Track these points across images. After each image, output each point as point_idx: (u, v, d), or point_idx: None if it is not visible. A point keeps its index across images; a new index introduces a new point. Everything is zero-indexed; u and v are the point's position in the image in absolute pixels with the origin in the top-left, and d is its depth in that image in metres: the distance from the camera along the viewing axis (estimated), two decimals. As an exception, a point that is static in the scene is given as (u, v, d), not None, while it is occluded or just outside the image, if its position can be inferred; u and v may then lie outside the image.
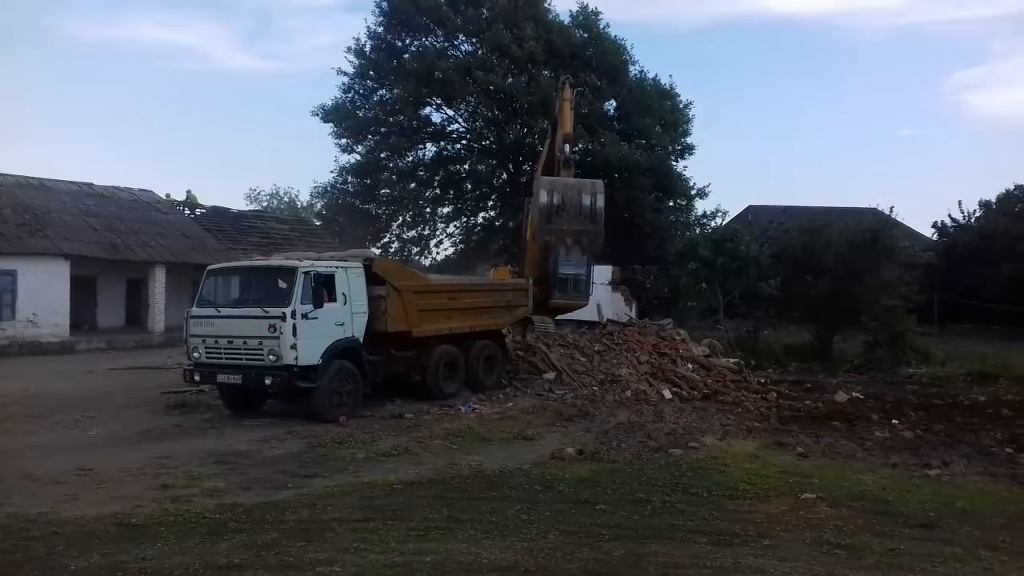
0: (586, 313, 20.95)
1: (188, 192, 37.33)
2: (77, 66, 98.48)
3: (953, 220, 43.11)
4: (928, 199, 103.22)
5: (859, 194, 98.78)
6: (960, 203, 43.74)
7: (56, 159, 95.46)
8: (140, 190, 34.93)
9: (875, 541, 7.62)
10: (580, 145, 34.62)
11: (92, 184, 32.95)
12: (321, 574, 6.49)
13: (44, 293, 25.82)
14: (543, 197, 16.32)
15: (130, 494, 9.07)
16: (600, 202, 16.47)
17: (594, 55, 36.38)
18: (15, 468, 10.27)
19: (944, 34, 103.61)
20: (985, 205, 42.85)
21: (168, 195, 36.33)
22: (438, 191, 39.95)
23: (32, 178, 30.53)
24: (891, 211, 27.82)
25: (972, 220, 42.52)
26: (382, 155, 38.46)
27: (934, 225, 43.97)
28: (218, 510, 8.38)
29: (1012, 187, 42.98)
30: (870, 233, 26.40)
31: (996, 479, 10.60)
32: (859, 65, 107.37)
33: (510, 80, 33.76)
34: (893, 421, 14.62)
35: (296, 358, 13.33)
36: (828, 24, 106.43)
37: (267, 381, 13.48)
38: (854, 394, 18.03)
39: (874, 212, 28.43)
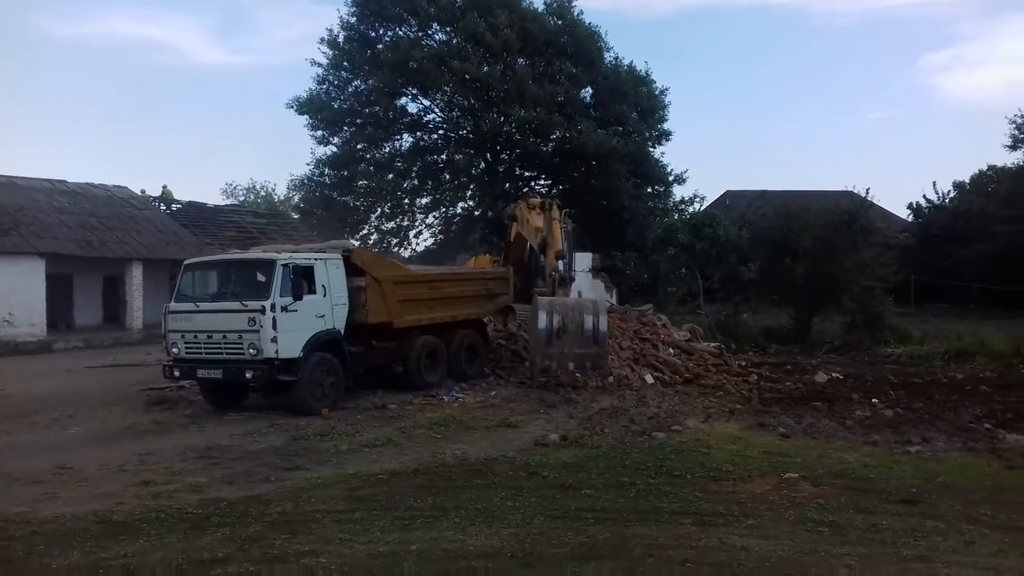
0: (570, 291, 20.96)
1: (164, 188, 37.01)
2: (48, 62, 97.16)
3: (928, 201, 43.58)
4: (903, 181, 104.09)
5: (835, 177, 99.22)
6: (934, 184, 44.24)
7: (28, 156, 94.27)
8: (114, 186, 34.55)
9: (858, 517, 7.68)
10: (557, 133, 34.75)
11: (65, 181, 32.57)
12: (306, 566, 6.45)
13: (19, 292, 25.49)
14: (542, 320, 15.79)
15: (111, 491, 8.99)
16: (603, 325, 16.03)
17: (569, 42, 36.28)
18: (-7, 468, 10.15)
19: (913, 17, 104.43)
20: (959, 186, 43.37)
21: (143, 191, 35.97)
22: (416, 182, 39.77)
23: (3, 176, 30.12)
24: (867, 193, 27.99)
25: (946, 201, 43.00)
26: (358, 146, 38.21)
27: (909, 206, 44.47)
28: (201, 505, 8.32)
29: (985, 167, 43.55)
30: (847, 215, 26.58)
31: (976, 454, 10.71)
32: (831, 50, 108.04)
33: (485, 69, 33.62)
34: (873, 400, 14.72)
35: (277, 351, 13.25)
36: (800, 9, 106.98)
37: (248, 375, 13.41)
38: (834, 374, 18.18)
39: (850, 195, 28.60)
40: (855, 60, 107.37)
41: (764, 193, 38.11)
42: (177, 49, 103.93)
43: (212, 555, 6.71)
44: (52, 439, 12.20)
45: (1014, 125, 39.02)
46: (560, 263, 17.61)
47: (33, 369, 20.61)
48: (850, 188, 28.98)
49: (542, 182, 38.07)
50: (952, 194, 43.13)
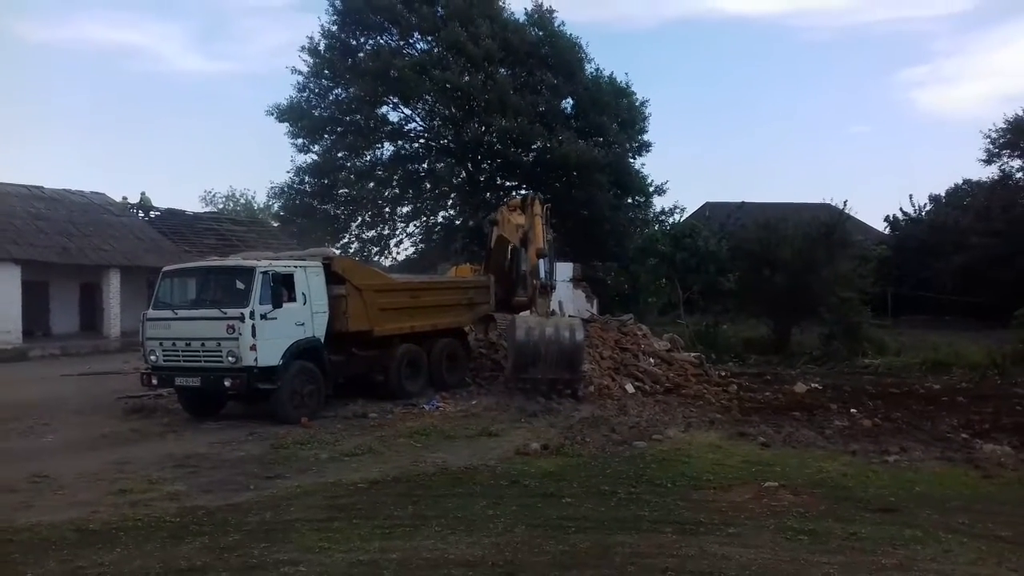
0: (550, 301, 20.91)
1: (142, 194, 36.71)
2: (25, 67, 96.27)
3: (904, 214, 44.04)
4: (880, 194, 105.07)
5: (813, 190, 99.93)
6: (911, 197, 44.76)
7: (4, 162, 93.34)
8: (92, 193, 34.29)
9: (837, 526, 7.72)
10: (538, 143, 34.84)
11: (42, 187, 32.26)
12: (286, 574, 6.40)
13: (-6, 299, 25.20)
14: (520, 337, 15.55)
15: (87, 500, 8.89)
16: (580, 335, 15.80)
17: (550, 53, 36.45)
18: (-34, 477, 10.01)
19: (890, 33, 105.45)
20: (935, 199, 43.88)
21: (125, 198, 35.71)
22: (397, 190, 39.73)
23: (-22, 182, 29.83)
24: (845, 206, 28.26)
25: (923, 214, 43.47)
26: (339, 155, 38.12)
27: (886, 219, 44.92)
28: (179, 513, 8.24)
29: (960, 181, 44.09)
30: (825, 227, 26.76)
31: (953, 464, 10.79)
32: (810, 64, 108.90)
33: (466, 78, 33.69)
34: (851, 410, 14.82)
35: (256, 359, 13.17)
36: (779, 24, 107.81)
37: (226, 383, 13.29)
38: (813, 385, 18.29)
39: (828, 207, 28.84)
40: (834, 74, 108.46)
41: (743, 204, 38.43)
42: (157, 55, 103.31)
43: (190, 564, 6.65)
44: (28, 447, 12.06)
45: (989, 140, 39.55)
46: (542, 267, 17.17)
47: (8, 377, 20.33)
48: (828, 201, 29.29)
49: (523, 192, 38.11)
50: (928, 207, 43.66)
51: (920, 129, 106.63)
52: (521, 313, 17.24)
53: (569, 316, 18.47)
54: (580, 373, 16.13)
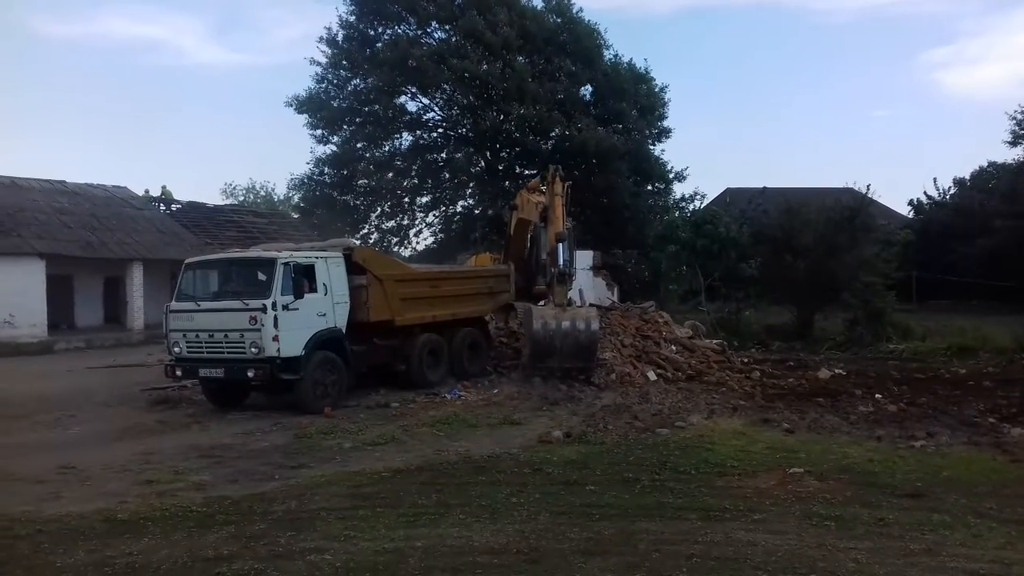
0: (568, 289, 20.86)
1: (163, 188, 36.99)
2: (47, 63, 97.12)
3: (929, 198, 43.59)
4: (904, 178, 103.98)
5: (835, 174, 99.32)
6: (935, 181, 44.27)
7: (28, 157, 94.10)
8: (114, 187, 34.57)
9: (864, 512, 7.67)
10: (557, 131, 34.70)
11: (65, 182, 32.58)
12: (312, 563, 6.43)
13: (20, 293, 25.47)
14: (536, 329, 15.59)
15: (115, 490, 8.98)
16: (595, 326, 15.83)
17: (568, 40, 36.23)
18: (-5, 468, 10.13)
19: (914, 14, 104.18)
20: (959, 182, 43.39)
21: (147, 191, 36.00)
22: (416, 180, 39.71)
23: (3, 177, 30.14)
24: (868, 190, 27.99)
25: (947, 197, 42.99)
26: (358, 145, 38.17)
27: (910, 203, 44.48)
28: (205, 503, 8.31)
29: (985, 164, 43.53)
30: (848, 212, 26.56)
31: (981, 448, 10.69)
32: (832, 47, 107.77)
33: (485, 67, 33.57)
34: (876, 396, 14.70)
35: (278, 350, 13.23)
36: (800, 7, 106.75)
37: (250, 374, 13.38)
38: (837, 371, 18.14)
39: (851, 191, 28.59)
40: (855, 57, 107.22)
41: (765, 190, 38.05)
42: (176, 48, 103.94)
43: (217, 553, 6.70)
44: (55, 439, 12.19)
45: (1014, 121, 38.94)
46: (561, 252, 16.75)
47: (35, 370, 20.58)
48: (851, 185, 29.03)
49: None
50: (953, 190, 43.20)
51: (944, 111, 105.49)
52: (538, 304, 17.13)
53: (587, 305, 18.37)
54: (594, 362, 16.12)
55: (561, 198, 16.93)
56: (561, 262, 16.54)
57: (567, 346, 15.63)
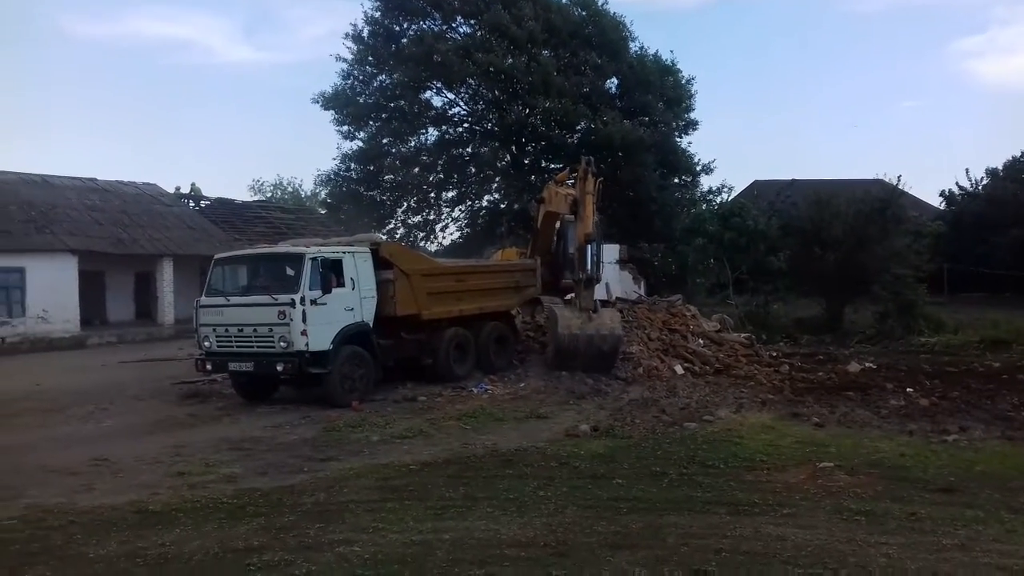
0: (595, 292, 20.80)
1: (193, 184, 37.36)
2: (77, 62, 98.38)
3: (960, 188, 42.87)
4: (935, 168, 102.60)
5: (865, 166, 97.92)
6: (967, 171, 43.43)
7: (59, 155, 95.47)
8: (144, 184, 34.91)
9: (895, 507, 7.58)
10: (582, 124, 34.58)
11: (96, 179, 32.97)
12: (341, 554, 6.47)
13: (53, 289, 25.86)
14: (560, 335, 15.75)
15: (146, 482, 9.09)
16: (618, 331, 16.00)
17: (593, 33, 36.04)
18: (30, 460, 10.31)
19: (943, 3, 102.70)
20: (992, 172, 42.56)
21: (178, 188, 36.38)
22: (441, 175, 39.74)
23: (36, 174, 30.57)
24: (898, 181, 27.61)
25: (979, 188, 42.25)
26: (384, 141, 38.24)
27: (941, 194, 43.79)
28: (235, 495, 8.39)
29: (1019, 153, 42.67)
30: (878, 203, 26.26)
31: (1015, 443, 10.54)
32: (860, 36, 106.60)
33: (510, 60, 33.51)
34: (908, 389, 14.53)
35: (307, 344, 13.32)
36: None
37: (279, 368, 13.48)
38: (867, 364, 17.92)
39: (881, 183, 28.23)
40: (885, 46, 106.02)
41: (794, 182, 37.70)
42: (205, 48, 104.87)
43: (247, 544, 6.76)
44: (88, 432, 12.36)
45: (1049, 110, 38.25)
46: (588, 254, 16.52)
47: (68, 364, 20.91)
48: (881, 176, 28.65)
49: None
50: (985, 181, 42.37)
51: (977, 101, 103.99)
52: (562, 304, 16.95)
53: (613, 302, 18.27)
54: (615, 365, 16.16)
55: (592, 196, 16.60)
56: (589, 265, 16.33)
57: (591, 352, 15.76)
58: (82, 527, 7.39)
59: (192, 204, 36.68)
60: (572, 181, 17.95)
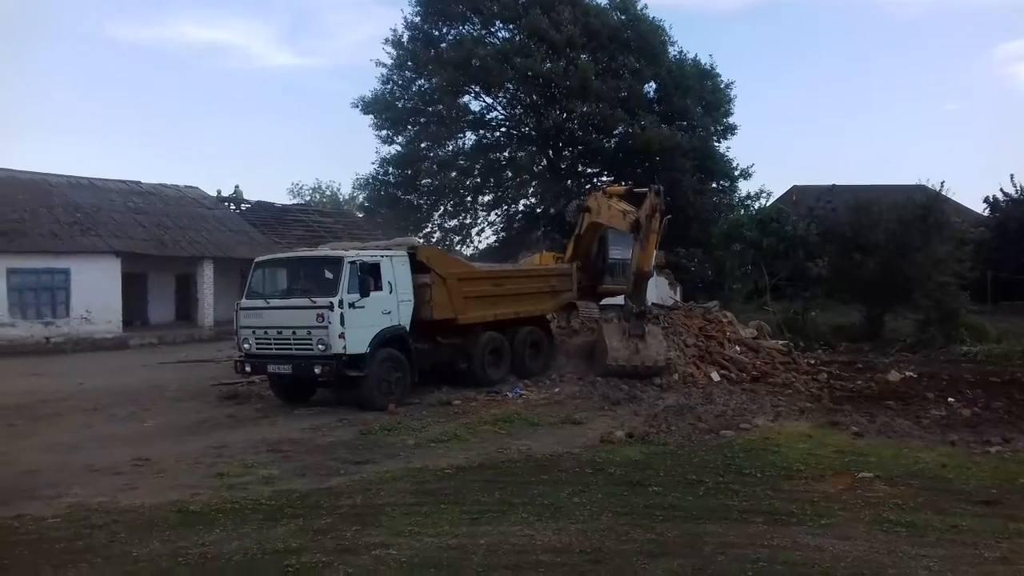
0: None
1: (236, 187, 37.89)
2: (121, 67, 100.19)
3: (1005, 195, 41.92)
4: (978, 174, 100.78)
5: (907, 171, 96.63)
6: (1012, 177, 42.48)
7: (103, 159, 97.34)
8: (186, 187, 35.45)
9: (936, 518, 7.47)
10: (620, 129, 34.48)
11: (139, 182, 33.56)
12: (377, 557, 6.52)
13: (97, 290, 26.39)
14: (609, 366, 16.16)
15: (187, 483, 9.23)
16: (662, 362, 16.36)
17: (632, 37, 35.93)
18: (74, 460, 10.50)
19: (986, 7, 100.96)
20: (1038, 178, 41.62)
21: (219, 191, 36.93)
22: (478, 179, 39.83)
23: (82, 178, 31.21)
24: (941, 187, 27.16)
25: (1024, 194, 41.36)
26: (422, 145, 38.44)
27: (985, 200, 42.88)
28: (273, 496, 8.48)
29: (1066, 159, 41.77)
30: (920, 209, 25.85)
31: (1060, 455, 10.33)
32: (902, 40, 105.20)
33: (548, 65, 33.52)
34: (949, 399, 14.31)
35: (344, 347, 13.44)
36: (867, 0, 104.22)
37: (317, 370, 13.61)
38: (907, 373, 17.65)
39: (923, 188, 27.80)
40: (927, 50, 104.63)
41: (833, 187, 37.26)
42: (246, 53, 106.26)
43: (286, 546, 6.83)
44: (130, 432, 12.56)
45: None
46: (646, 289, 17.33)
47: (110, 364, 21.28)
48: (923, 182, 28.21)
49: (604, 178, 37.79)
50: (1031, 187, 41.49)
51: (1020, 105, 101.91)
52: (612, 325, 17.03)
53: (655, 319, 18.26)
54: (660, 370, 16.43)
55: (657, 235, 17.02)
56: (646, 299, 17.18)
57: (635, 375, 16.11)
58: (125, 526, 7.52)
59: (233, 207, 37.15)
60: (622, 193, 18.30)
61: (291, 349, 13.95)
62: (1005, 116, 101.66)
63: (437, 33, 37.62)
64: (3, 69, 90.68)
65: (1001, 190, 42.09)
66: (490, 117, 39.09)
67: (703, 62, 37.13)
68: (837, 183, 38.07)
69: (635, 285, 16.93)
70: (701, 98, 36.19)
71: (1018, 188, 41.52)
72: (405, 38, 37.40)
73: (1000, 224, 38.68)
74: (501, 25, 36.78)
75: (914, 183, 29.20)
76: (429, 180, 38.80)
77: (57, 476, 9.58)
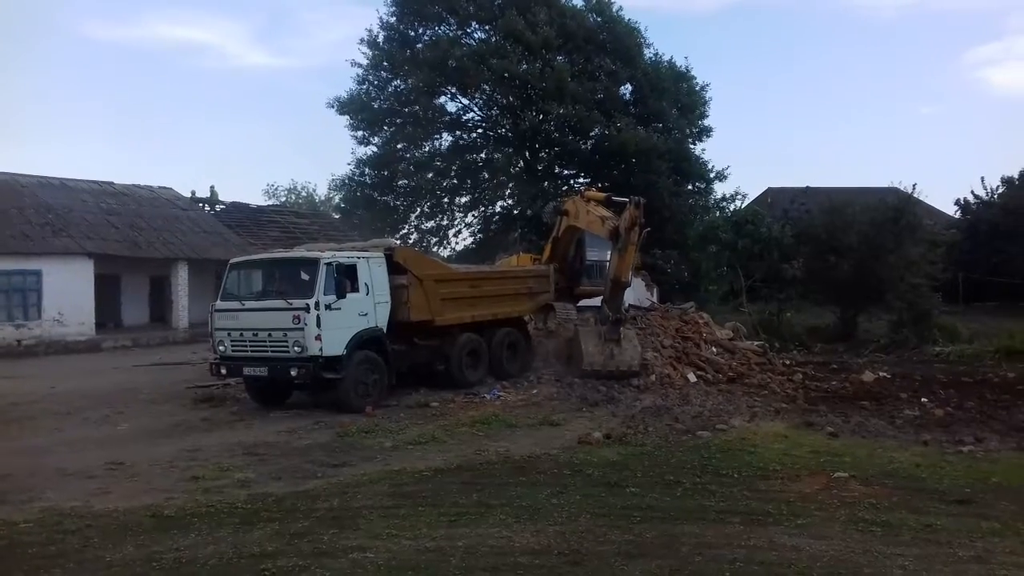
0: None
1: (211, 188, 37.61)
2: (94, 66, 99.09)
3: (976, 197, 42.55)
4: (950, 177, 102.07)
5: (879, 173, 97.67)
6: (983, 179, 43.16)
7: (75, 159, 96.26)
8: (160, 188, 35.11)
9: (911, 518, 7.56)
10: (596, 130, 34.57)
11: (112, 183, 33.16)
12: (355, 560, 6.49)
13: (69, 292, 26.04)
14: (584, 370, 16.27)
15: (161, 486, 9.14)
16: (636, 365, 16.49)
17: (608, 39, 36.04)
18: (47, 464, 10.36)
19: (958, 10, 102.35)
20: (1008, 181, 42.24)
21: (193, 192, 36.61)
22: (455, 181, 39.75)
23: (53, 178, 30.78)
24: (913, 189, 27.49)
25: (995, 196, 41.95)
26: (398, 146, 38.32)
27: (957, 202, 43.47)
28: (249, 500, 8.42)
29: (1035, 162, 42.39)
30: (893, 212, 26.13)
31: (1030, 454, 10.47)
32: (875, 44, 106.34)
33: (524, 66, 33.53)
34: (922, 399, 14.47)
35: (321, 349, 13.36)
36: (843, 3, 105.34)
37: (293, 372, 13.52)
38: (881, 374, 17.84)
39: (896, 191, 28.12)
40: (899, 54, 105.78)
41: (807, 189, 37.58)
42: (221, 52, 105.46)
43: (262, 549, 6.79)
44: (103, 435, 12.42)
45: (1066, 118, 38.00)
46: (624, 297, 17.65)
47: (82, 367, 21.02)
48: (895, 184, 28.56)
49: (581, 180, 37.88)
50: (1001, 189, 42.07)
51: (992, 108, 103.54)
52: (589, 329, 17.10)
53: (631, 321, 18.32)
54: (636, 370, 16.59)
55: (635, 247, 17.26)
56: (622, 307, 17.52)
57: (610, 378, 16.19)
58: (98, 531, 7.43)
59: (207, 208, 36.85)
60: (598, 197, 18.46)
61: (267, 351, 13.85)
62: (977, 120, 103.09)
63: (413, 34, 37.55)
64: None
65: (972, 192, 42.72)
66: (466, 118, 39.08)
67: (679, 64, 37.38)
68: (811, 185, 38.41)
69: (612, 292, 17.01)
70: (677, 100, 36.40)
71: (988, 190, 42.16)
72: (381, 38, 37.31)
73: (971, 226, 39.18)
74: (477, 26, 36.76)
75: (887, 185, 29.61)
76: (405, 181, 38.70)
77: (29, 480, 9.45)
